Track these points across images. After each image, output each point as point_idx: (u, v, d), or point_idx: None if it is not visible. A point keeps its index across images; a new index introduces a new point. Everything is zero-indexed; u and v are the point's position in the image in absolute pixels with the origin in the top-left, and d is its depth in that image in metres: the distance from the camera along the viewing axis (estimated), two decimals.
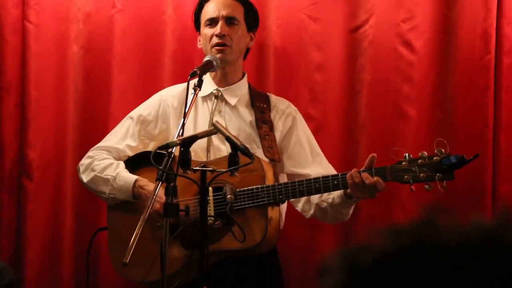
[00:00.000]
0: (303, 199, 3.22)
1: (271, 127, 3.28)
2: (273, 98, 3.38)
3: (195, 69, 3.09)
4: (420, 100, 3.74)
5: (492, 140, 3.69)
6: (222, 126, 2.90)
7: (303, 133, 3.32)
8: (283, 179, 3.30)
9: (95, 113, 3.85)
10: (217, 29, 3.23)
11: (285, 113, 3.33)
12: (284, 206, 3.26)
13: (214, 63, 3.18)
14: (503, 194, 3.69)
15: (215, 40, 3.22)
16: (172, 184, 2.78)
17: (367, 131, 3.75)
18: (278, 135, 3.29)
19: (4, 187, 3.86)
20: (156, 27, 3.84)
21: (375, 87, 3.76)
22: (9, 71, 3.84)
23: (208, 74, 3.29)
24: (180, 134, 2.90)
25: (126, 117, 3.40)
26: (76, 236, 3.84)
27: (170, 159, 2.81)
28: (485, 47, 3.68)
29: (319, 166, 3.27)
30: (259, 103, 3.32)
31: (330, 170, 3.27)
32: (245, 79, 3.37)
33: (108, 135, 3.41)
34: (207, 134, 2.95)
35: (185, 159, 2.77)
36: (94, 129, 3.82)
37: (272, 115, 3.31)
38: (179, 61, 3.82)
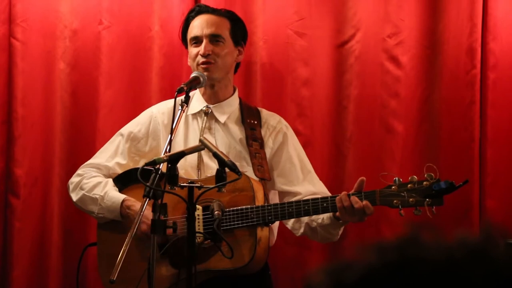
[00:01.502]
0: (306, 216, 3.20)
1: (262, 144, 3.27)
2: (264, 113, 3.37)
3: (182, 85, 3.08)
4: (406, 115, 3.76)
5: (478, 155, 3.71)
6: (209, 142, 2.89)
7: (294, 150, 3.31)
8: (275, 195, 3.29)
9: (82, 130, 3.84)
10: (201, 48, 3.21)
11: (275, 129, 3.32)
12: (275, 223, 3.25)
13: (201, 79, 3.17)
14: (490, 208, 3.70)
15: (200, 59, 3.21)
16: (159, 200, 2.78)
17: (354, 146, 3.76)
18: (268, 152, 3.27)
19: None
20: (143, 44, 3.85)
21: (362, 102, 3.77)
22: None
23: (198, 91, 3.29)
24: (168, 150, 2.90)
25: (116, 134, 3.38)
26: (63, 253, 3.82)
27: (158, 175, 2.80)
28: (471, 62, 3.70)
29: (310, 184, 3.26)
30: (250, 120, 3.30)
31: (321, 188, 3.26)
32: (235, 95, 3.35)
33: (98, 152, 3.39)
34: (194, 150, 2.94)
35: (172, 175, 2.76)
36: (81, 146, 3.81)
37: (263, 131, 3.30)
38: (167, 77, 3.82)
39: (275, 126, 3.32)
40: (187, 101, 3.05)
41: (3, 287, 3.83)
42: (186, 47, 3.34)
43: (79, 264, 3.33)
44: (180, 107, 3.03)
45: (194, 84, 3.16)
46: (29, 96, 3.83)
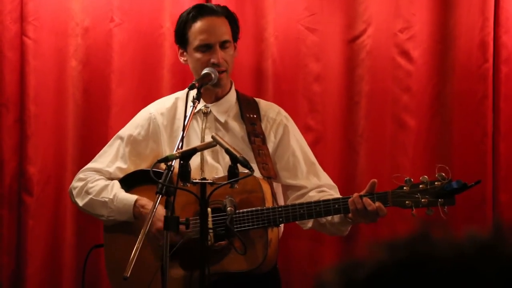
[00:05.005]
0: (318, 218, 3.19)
1: (264, 140, 3.25)
2: (262, 105, 3.33)
3: (193, 82, 3.08)
4: (419, 109, 3.75)
5: (491, 149, 3.70)
6: (221, 138, 2.89)
7: (296, 142, 3.28)
8: (278, 186, 3.28)
9: (94, 128, 3.85)
10: (215, 58, 3.15)
11: (276, 122, 3.29)
12: None
13: (213, 75, 3.16)
14: (504, 202, 3.69)
15: (212, 66, 3.17)
16: (172, 197, 2.78)
17: (366, 141, 3.75)
18: (271, 146, 3.25)
19: (4, 203, 3.86)
20: (154, 41, 3.85)
21: (373, 97, 3.76)
22: (7, 87, 3.85)
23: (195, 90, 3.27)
24: (180, 147, 2.89)
25: (115, 137, 3.36)
26: (76, 251, 3.83)
27: (170, 172, 2.80)
28: (483, 56, 3.69)
29: (315, 177, 3.24)
30: (249, 114, 3.28)
31: (326, 180, 3.25)
32: (232, 89, 3.32)
33: (97, 156, 3.37)
34: (206, 146, 2.95)
35: (184, 172, 2.76)
36: (94, 143, 3.81)
37: (263, 125, 3.27)
38: (178, 74, 3.82)
39: (275, 119, 3.29)
40: (199, 97, 3.04)
41: (17, 285, 3.85)
42: (179, 44, 3.28)
43: (84, 265, 3.33)
44: (192, 104, 3.02)
45: (206, 80, 3.15)
46: (41, 94, 3.85)
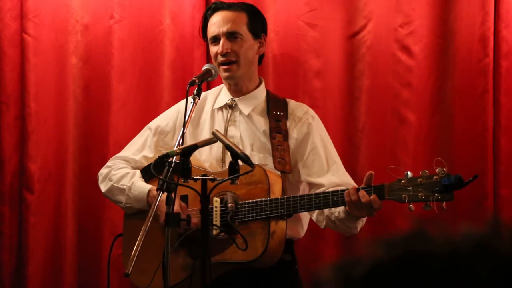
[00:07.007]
0: (317, 210, 3.19)
1: (286, 136, 3.25)
2: (292, 104, 3.34)
3: (194, 78, 3.10)
4: (419, 104, 3.75)
5: (492, 143, 3.70)
6: (222, 134, 2.90)
7: (320, 140, 3.27)
8: (307, 187, 3.27)
9: (95, 124, 3.86)
10: (219, 47, 3.21)
11: (301, 120, 3.29)
12: (306, 216, 3.25)
13: (213, 71, 3.19)
14: (505, 197, 3.69)
15: (219, 58, 3.21)
16: (173, 194, 2.79)
17: (367, 137, 3.75)
18: (293, 143, 3.25)
19: (5, 200, 3.86)
20: (154, 37, 3.86)
21: (374, 93, 3.77)
22: (8, 84, 3.85)
23: (224, 85, 3.30)
24: (180, 143, 2.91)
25: (145, 127, 3.41)
26: (77, 248, 3.84)
27: (171, 168, 2.81)
28: (483, 51, 3.68)
29: (334, 176, 3.22)
30: (276, 111, 3.29)
31: (345, 179, 3.22)
32: (262, 86, 3.34)
33: (127, 145, 3.42)
34: (207, 142, 2.96)
35: (185, 168, 2.77)
36: (94, 140, 3.82)
37: (288, 123, 3.28)
38: (178, 71, 3.83)
39: (301, 117, 3.30)
40: (199, 94, 3.08)
41: (19, 282, 3.86)
42: (207, 43, 3.35)
43: (110, 251, 3.32)
44: (192, 100, 3.04)
45: (206, 77, 3.17)
46: (42, 91, 3.85)
